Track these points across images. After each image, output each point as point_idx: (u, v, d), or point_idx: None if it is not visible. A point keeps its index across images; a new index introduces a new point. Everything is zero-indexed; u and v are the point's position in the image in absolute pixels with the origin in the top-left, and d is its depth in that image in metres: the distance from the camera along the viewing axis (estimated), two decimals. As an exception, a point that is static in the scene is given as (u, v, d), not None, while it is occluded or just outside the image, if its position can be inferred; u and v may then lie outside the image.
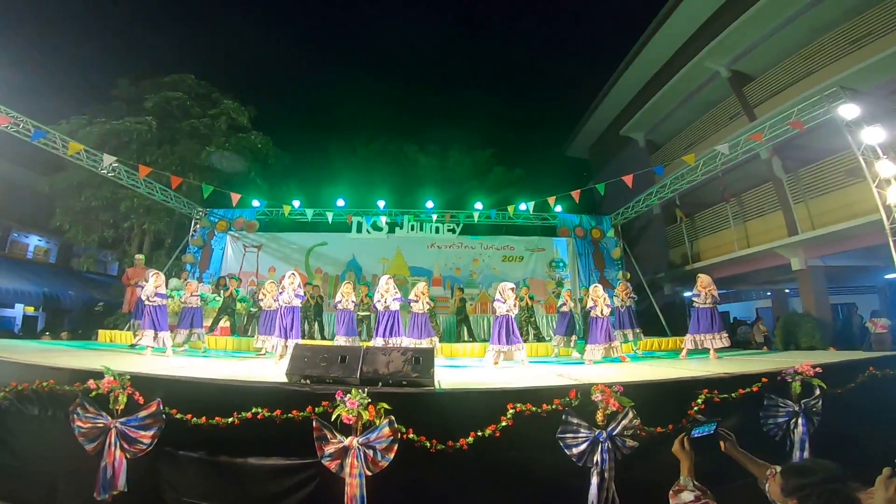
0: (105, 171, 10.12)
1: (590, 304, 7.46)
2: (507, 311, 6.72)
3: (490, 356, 6.66)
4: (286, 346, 6.74)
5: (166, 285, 7.50)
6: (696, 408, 3.45)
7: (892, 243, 6.82)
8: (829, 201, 9.80)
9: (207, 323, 9.22)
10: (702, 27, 12.95)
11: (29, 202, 15.56)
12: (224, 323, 9.96)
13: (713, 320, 7.07)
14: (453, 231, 13.75)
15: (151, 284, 7.01)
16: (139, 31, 22.18)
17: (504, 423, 3.28)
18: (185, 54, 21.30)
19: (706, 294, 7.18)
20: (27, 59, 14.37)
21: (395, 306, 7.37)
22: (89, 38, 20.13)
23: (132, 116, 13.78)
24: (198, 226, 13.40)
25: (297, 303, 7.08)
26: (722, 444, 2.40)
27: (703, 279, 7.31)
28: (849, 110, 7.31)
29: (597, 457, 3.20)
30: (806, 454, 3.58)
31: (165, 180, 11.09)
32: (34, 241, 18.44)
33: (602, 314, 7.26)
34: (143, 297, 7.01)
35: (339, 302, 7.78)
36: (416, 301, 7.57)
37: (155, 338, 6.82)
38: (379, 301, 7.37)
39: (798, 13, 10.51)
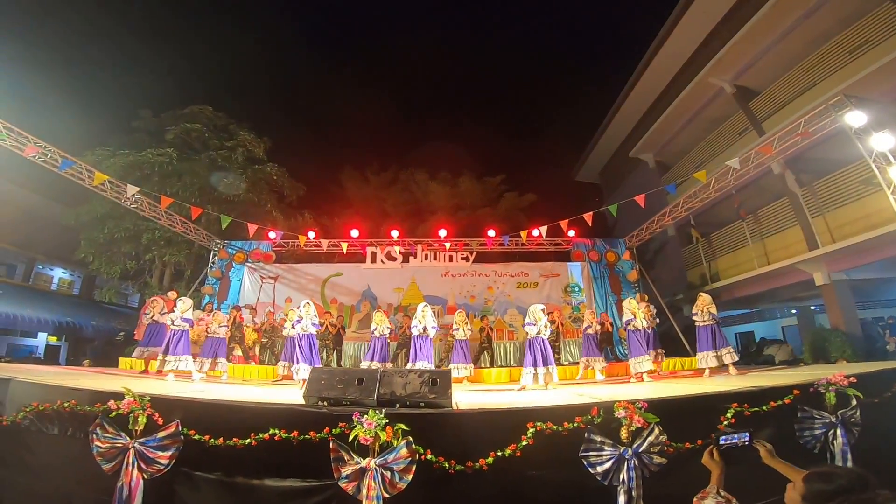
0: (128, 203, 10.44)
1: (628, 316, 7.59)
2: (538, 332, 6.78)
3: (526, 378, 6.71)
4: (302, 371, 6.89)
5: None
6: (725, 422, 3.36)
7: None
8: (847, 213, 9.60)
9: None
10: (702, 44, 13.13)
11: (54, 234, 16.11)
12: (235, 352, 10.02)
13: (714, 337, 7.24)
14: (467, 259, 13.76)
15: (179, 310, 7.41)
16: (158, 62, 23.23)
17: (524, 443, 3.21)
18: (203, 85, 22.23)
19: (703, 312, 7.40)
20: (53, 91, 15.09)
21: (432, 333, 7.62)
22: (113, 70, 21.21)
23: (153, 148, 14.23)
24: (216, 257, 13.63)
25: (313, 330, 7.27)
26: (761, 452, 2.29)
27: (702, 298, 7.60)
28: (856, 118, 7.31)
29: (623, 474, 3.10)
30: (849, 465, 3.42)
31: (185, 212, 11.38)
32: (58, 274, 19.05)
33: (641, 326, 7.42)
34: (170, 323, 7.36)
35: (376, 329, 8.09)
36: (458, 329, 8.11)
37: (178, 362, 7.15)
38: (416, 326, 7.58)
39: (793, 25, 10.63)
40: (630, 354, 7.58)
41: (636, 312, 7.48)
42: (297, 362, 6.98)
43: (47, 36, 18.99)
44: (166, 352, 7.19)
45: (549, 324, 7.09)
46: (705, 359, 7.22)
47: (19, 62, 15.18)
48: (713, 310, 7.38)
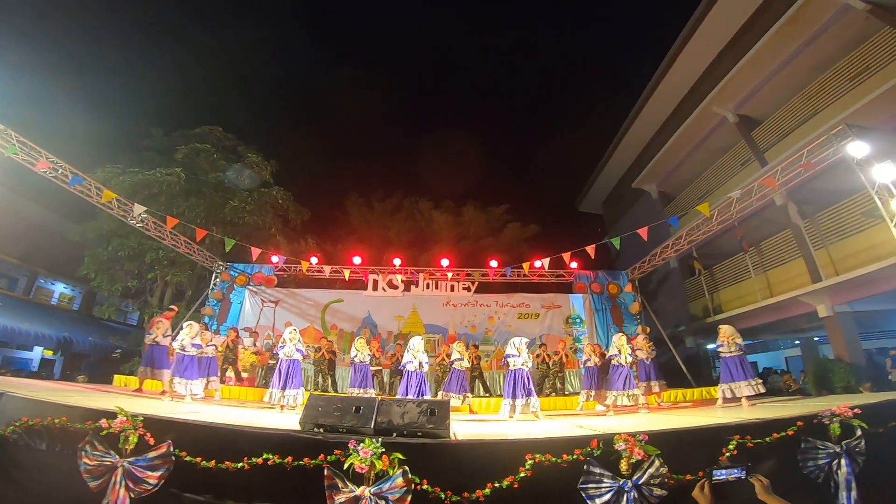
0: (134, 222, 10.53)
1: (613, 351, 7.60)
2: (522, 364, 6.78)
3: (505, 410, 6.72)
4: (283, 397, 6.98)
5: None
6: (727, 454, 3.30)
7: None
8: (850, 245, 9.59)
9: None
10: (704, 74, 13.42)
11: (58, 249, 16.22)
12: (228, 373, 9.93)
13: (743, 368, 7.16)
14: (468, 289, 13.77)
15: (186, 335, 7.45)
16: (173, 80, 23.81)
17: (522, 474, 3.17)
18: (215, 105, 22.71)
19: (729, 343, 7.36)
20: (68, 107, 15.39)
21: (426, 368, 7.66)
22: (128, 87, 21.76)
23: (163, 167, 14.39)
24: (218, 279, 13.66)
25: (298, 356, 7.31)
26: (757, 487, 2.25)
27: (725, 329, 7.56)
28: (857, 148, 7.32)
29: (622, 508, 3.02)
30: (854, 494, 3.36)
31: (189, 233, 11.46)
32: (59, 289, 19.07)
33: (625, 362, 7.40)
34: (178, 348, 7.38)
35: (356, 356, 7.98)
36: (461, 359, 8.05)
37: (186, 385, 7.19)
38: (411, 362, 7.49)
39: (795, 53, 10.82)
40: (607, 387, 7.61)
41: (622, 349, 7.51)
42: (274, 387, 7.04)
43: (64, 51, 19.58)
44: (180, 375, 7.20)
45: (530, 357, 7.16)
46: (737, 389, 7.11)
47: (36, 77, 15.62)
48: (739, 340, 7.38)
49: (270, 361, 10.63)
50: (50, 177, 8.94)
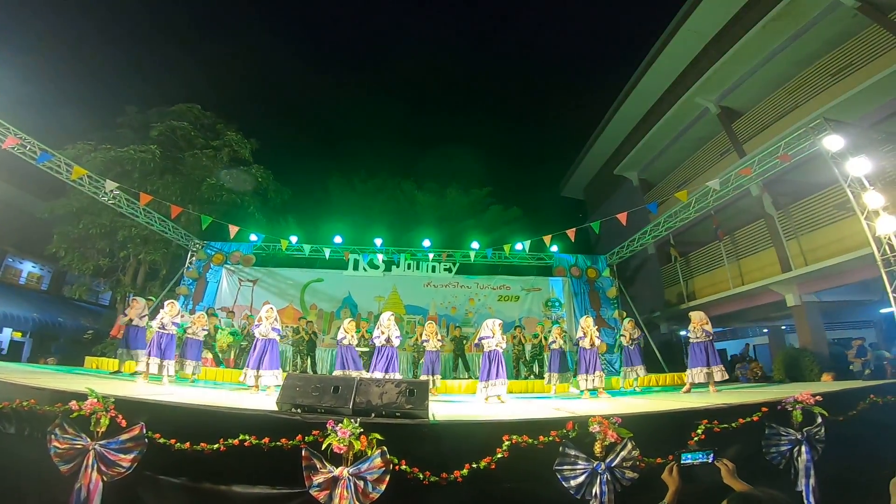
0: (106, 199, 10.22)
1: (579, 335, 7.68)
2: (496, 345, 6.79)
3: (482, 392, 6.70)
4: (258, 377, 6.82)
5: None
6: (696, 438, 3.40)
7: (884, 275, 6.83)
8: (820, 236, 9.89)
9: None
10: (690, 65, 13.51)
11: (27, 227, 15.58)
12: (206, 355, 9.80)
13: (708, 354, 7.31)
14: (449, 270, 13.80)
15: (167, 313, 7.28)
16: (149, 60, 22.89)
17: (499, 455, 3.19)
18: (193, 84, 21.97)
19: (698, 329, 7.51)
20: (38, 84, 14.73)
21: (396, 343, 7.55)
22: (101, 66, 20.85)
23: (137, 144, 13.94)
24: (194, 258, 13.37)
25: (274, 336, 7.16)
26: (723, 471, 2.34)
27: (696, 316, 7.71)
28: (833, 142, 7.44)
29: (596, 489, 3.10)
30: (812, 482, 3.50)
31: (165, 210, 11.16)
32: (28, 268, 18.36)
33: (589, 346, 7.47)
34: (158, 326, 7.21)
35: (344, 338, 7.90)
36: (428, 341, 8.09)
37: (160, 365, 7.03)
38: (378, 337, 7.50)
39: (781, 47, 10.94)
40: (578, 371, 7.71)
41: (587, 331, 7.59)
42: (250, 367, 6.92)
43: (36, 29, 18.59)
44: (157, 355, 7.05)
45: (504, 339, 7.12)
46: (697, 374, 7.31)
47: (5, 53, 14.77)
48: (707, 327, 7.53)
49: (243, 343, 10.49)
50: (18, 153, 8.63)
